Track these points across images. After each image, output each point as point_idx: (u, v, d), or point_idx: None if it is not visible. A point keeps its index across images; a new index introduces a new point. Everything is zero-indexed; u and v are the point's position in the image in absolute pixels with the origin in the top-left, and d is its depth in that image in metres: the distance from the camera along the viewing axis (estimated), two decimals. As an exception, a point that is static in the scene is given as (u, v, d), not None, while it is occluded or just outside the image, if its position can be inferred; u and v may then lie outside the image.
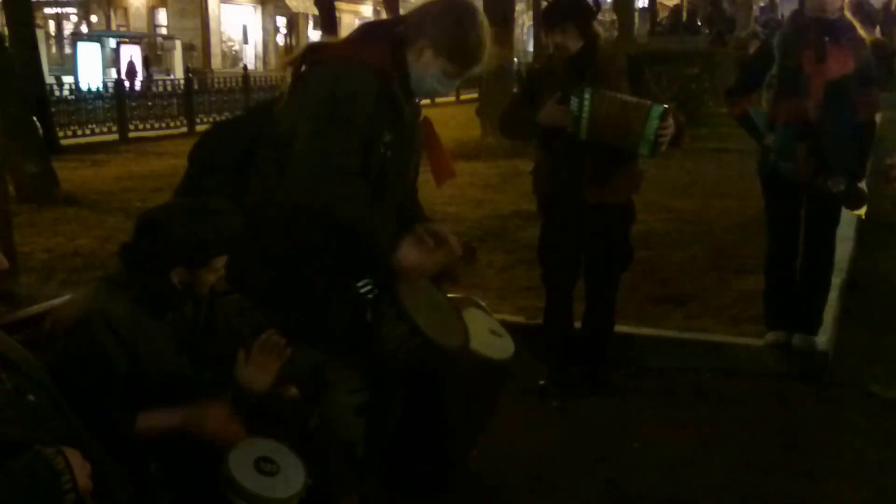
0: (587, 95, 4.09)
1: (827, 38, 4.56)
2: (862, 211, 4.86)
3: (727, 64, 17.17)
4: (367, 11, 49.79)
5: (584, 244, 4.57)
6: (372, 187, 2.80)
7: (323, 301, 2.83)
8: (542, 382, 4.70)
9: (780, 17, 31.79)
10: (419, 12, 2.83)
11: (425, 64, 2.79)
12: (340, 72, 2.74)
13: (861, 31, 4.69)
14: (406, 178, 3.01)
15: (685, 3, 29.14)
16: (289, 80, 2.85)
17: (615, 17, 27.20)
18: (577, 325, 4.77)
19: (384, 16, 40.88)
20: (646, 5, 34.92)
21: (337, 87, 2.71)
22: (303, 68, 2.86)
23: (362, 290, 2.87)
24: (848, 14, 4.68)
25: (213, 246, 2.55)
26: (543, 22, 4.52)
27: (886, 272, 6.69)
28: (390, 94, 2.77)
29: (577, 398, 4.61)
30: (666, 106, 4.11)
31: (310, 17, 45.34)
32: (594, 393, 4.67)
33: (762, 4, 33.93)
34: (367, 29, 2.91)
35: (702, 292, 6.09)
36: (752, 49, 23.76)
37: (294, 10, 44.88)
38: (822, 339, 4.99)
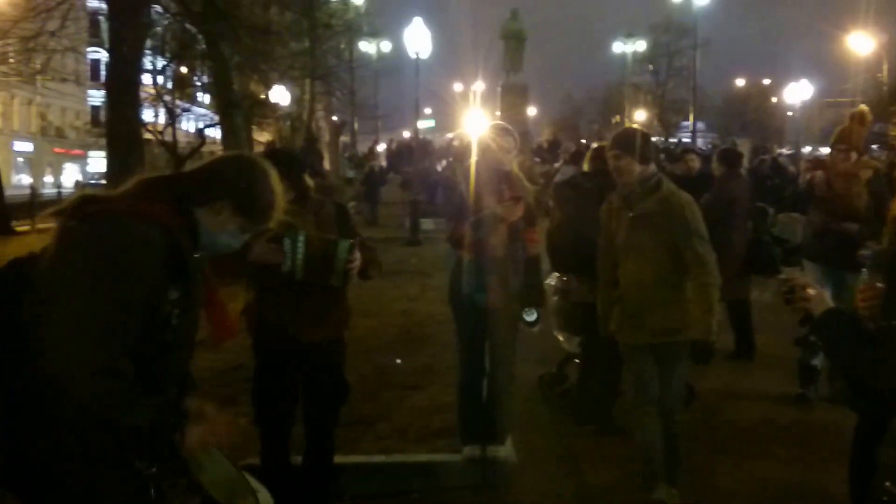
0: (301, 238, 3.98)
1: (504, 187, 4.84)
2: (536, 329, 5.15)
3: (330, 192, 17.94)
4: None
5: (303, 382, 4.29)
6: (156, 351, 2.35)
7: (97, 484, 2.28)
8: (264, 527, 4.21)
9: (360, 154, 34.05)
10: (210, 171, 2.54)
11: (222, 222, 2.49)
12: (121, 227, 2.28)
13: (525, 182, 5.02)
14: (189, 340, 2.55)
15: (277, 142, 30.06)
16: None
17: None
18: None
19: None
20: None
21: (116, 244, 2.25)
22: (71, 222, 2.31)
23: (143, 465, 2.34)
24: (516, 168, 5.01)
25: None
26: None
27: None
28: (177, 248, 2.37)
29: (304, 538, 4.20)
30: (352, 241, 4.07)
31: None
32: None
33: (345, 140, 36.11)
34: (145, 184, 2.47)
35: (383, 412, 5.97)
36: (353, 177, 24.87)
37: None
38: (510, 448, 5.08)
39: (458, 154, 23.13)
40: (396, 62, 32.68)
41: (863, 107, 6.18)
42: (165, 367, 2.39)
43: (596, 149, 6.08)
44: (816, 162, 6.66)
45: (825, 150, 30.82)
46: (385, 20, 34.65)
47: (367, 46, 35.54)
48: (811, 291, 2.68)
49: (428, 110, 51.61)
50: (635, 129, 4.71)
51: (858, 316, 2.79)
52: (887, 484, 2.60)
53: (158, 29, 20.72)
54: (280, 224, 3.92)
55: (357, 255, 4.05)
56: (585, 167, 6.02)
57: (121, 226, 2.28)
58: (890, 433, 2.63)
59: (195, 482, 2.43)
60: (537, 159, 27.80)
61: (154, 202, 2.38)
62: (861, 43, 34.77)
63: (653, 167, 4.49)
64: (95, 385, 2.14)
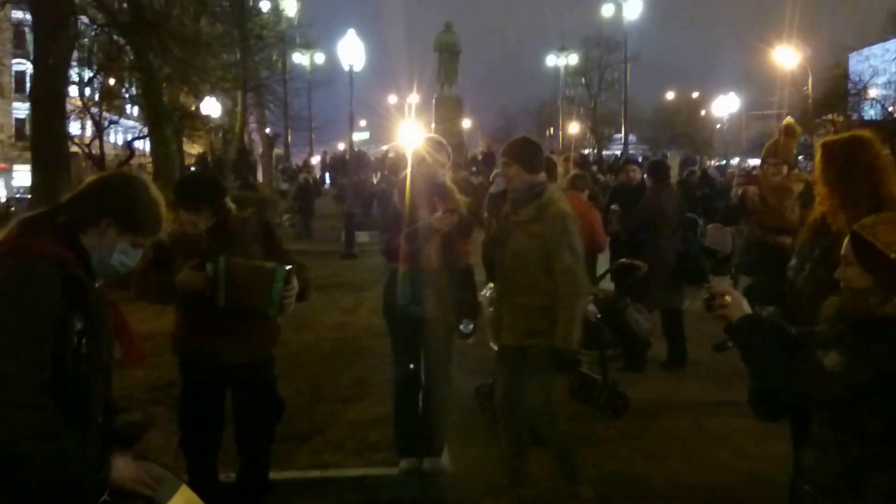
0: (221, 265, 3.94)
1: (436, 198, 4.88)
2: (471, 339, 5.20)
3: (264, 205, 17.79)
4: None
5: (233, 401, 4.27)
6: (73, 383, 2.31)
7: None
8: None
9: (294, 166, 33.76)
10: (86, 194, 2.52)
11: (111, 241, 2.49)
12: (11, 266, 2.24)
13: (457, 195, 5.06)
14: (105, 365, 2.51)
15: (208, 154, 29.67)
16: None
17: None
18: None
19: None
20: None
21: (10, 284, 2.22)
22: None
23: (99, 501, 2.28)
24: (448, 181, 5.05)
25: None
26: (178, 200, 4.09)
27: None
28: (74, 280, 2.33)
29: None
30: (289, 267, 4.00)
31: None
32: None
33: (279, 152, 35.78)
34: (25, 223, 2.42)
35: (319, 426, 5.94)
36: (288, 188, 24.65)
37: None
38: (446, 459, 5.11)
39: (393, 166, 23.14)
40: (330, 74, 32.58)
41: (789, 119, 6.35)
42: (86, 397, 2.35)
43: None
44: (748, 176, 6.84)
45: (753, 162, 31.67)
46: (318, 32, 34.55)
47: (300, 58, 35.32)
48: (728, 298, 2.78)
49: (363, 122, 51.61)
50: (526, 139, 4.85)
51: (779, 322, 2.89)
52: (807, 487, 2.68)
53: (85, 40, 20.31)
54: (202, 250, 3.94)
55: (295, 283, 4.01)
56: None
57: (11, 265, 2.24)
58: (811, 436, 2.72)
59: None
60: (474, 168, 27.95)
61: (38, 237, 2.35)
62: (786, 57, 35.83)
63: (541, 177, 4.67)
64: (13, 418, 2.10)
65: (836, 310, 2.66)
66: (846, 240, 2.67)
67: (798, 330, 2.83)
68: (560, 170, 9.00)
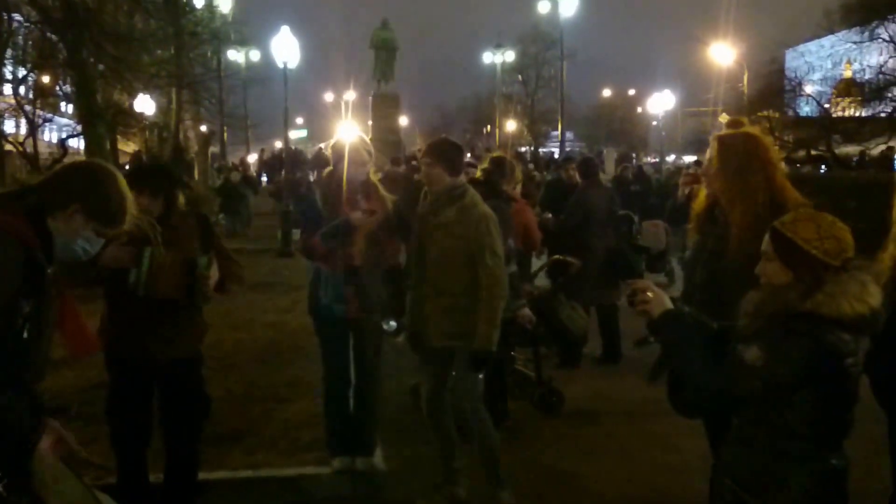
0: (146, 254, 3.92)
1: (360, 196, 4.84)
2: (400, 338, 5.17)
3: (199, 203, 17.52)
4: None
5: (160, 399, 4.20)
6: (7, 364, 2.31)
7: None
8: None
9: (230, 164, 33.29)
10: (58, 179, 2.60)
11: (76, 228, 2.55)
12: None
13: (383, 191, 5.01)
14: (42, 351, 2.50)
15: (143, 152, 29.05)
16: None
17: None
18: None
19: None
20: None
21: None
22: None
23: None
24: (372, 177, 5.01)
25: None
26: (129, 184, 4.05)
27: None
28: (34, 262, 2.37)
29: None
30: (209, 256, 4.08)
31: None
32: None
33: (214, 151, 35.24)
34: None
35: (252, 426, 5.88)
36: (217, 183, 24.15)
37: None
38: (379, 458, 5.07)
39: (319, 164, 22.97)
40: (266, 71, 32.18)
41: (725, 116, 6.43)
42: (16, 381, 2.33)
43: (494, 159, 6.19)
44: (694, 176, 6.94)
45: (688, 158, 31.96)
46: (253, 29, 34.02)
47: (235, 55, 34.82)
48: (651, 294, 2.80)
49: (300, 120, 51.17)
50: (449, 141, 4.86)
51: (701, 317, 2.92)
52: (727, 481, 2.72)
53: (18, 38, 19.77)
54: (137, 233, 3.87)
55: (214, 270, 4.05)
56: (478, 175, 5.98)
57: None
58: (731, 432, 2.76)
59: (39, 500, 2.35)
60: (414, 162, 27.88)
61: (8, 214, 2.37)
62: (722, 53, 36.22)
63: (461, 179, 4.67)
64: None
65: (755, 305, 2.69)
66: (766, 236, 2.71)
67: (719, 325, 2.87)
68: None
